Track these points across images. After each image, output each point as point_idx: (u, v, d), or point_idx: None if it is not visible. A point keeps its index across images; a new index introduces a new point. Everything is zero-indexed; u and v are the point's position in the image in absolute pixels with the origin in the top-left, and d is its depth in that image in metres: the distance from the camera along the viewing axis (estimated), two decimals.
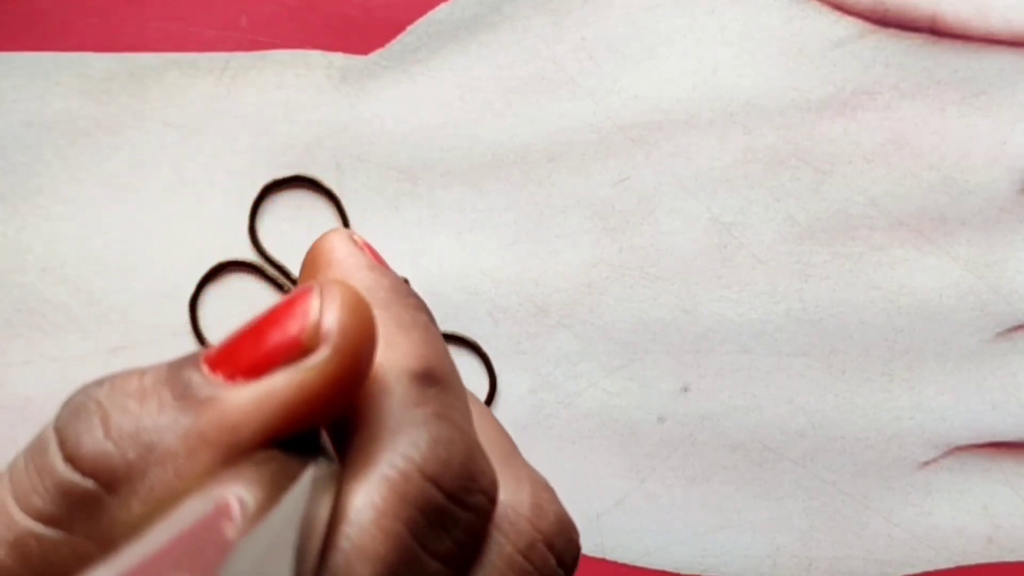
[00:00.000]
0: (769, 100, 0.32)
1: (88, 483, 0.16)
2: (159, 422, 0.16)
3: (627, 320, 0.33)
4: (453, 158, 0.33)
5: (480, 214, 0.33)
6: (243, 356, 0.16)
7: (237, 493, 0.14)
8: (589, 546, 0.33)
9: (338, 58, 0.33)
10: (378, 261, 0.21)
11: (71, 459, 0.16)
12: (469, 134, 0.33)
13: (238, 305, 0.33)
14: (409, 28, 0.33)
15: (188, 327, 0.33)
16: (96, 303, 0.33)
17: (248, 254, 0.33)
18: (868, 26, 0.32)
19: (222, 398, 0.16)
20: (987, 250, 0.32)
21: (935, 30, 0.32)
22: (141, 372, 0.17)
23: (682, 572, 0.33)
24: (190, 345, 0.33)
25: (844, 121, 0.32)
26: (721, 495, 0.33)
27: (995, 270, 0.32)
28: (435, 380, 0.18)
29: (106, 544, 0.16)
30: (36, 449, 0.16)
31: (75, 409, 0.16)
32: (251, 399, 0.16)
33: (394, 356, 0.18)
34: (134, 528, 0.16)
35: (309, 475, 0.15)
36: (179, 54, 0.33)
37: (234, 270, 0.33)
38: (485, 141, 0.33)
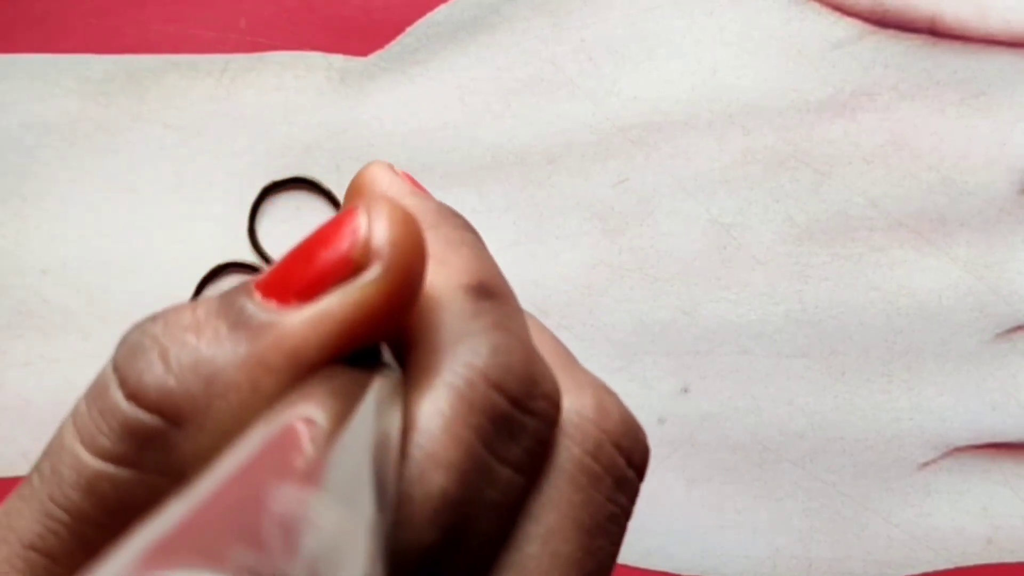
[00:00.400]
0: (768, 101, 0.32)
1: (153, 419, 0.16)
2: (218, 353, 0.16)
3: (627, 321, 0.33)
4: (452, 159, 0.33)
5: (479, 215, 0.33)
6: (294, 279, 0.16)
7: (307, 413, 0.14)
8: None
9: (337, 60, 0.33)
10: (419, 188, 0.21)
11: (133, 397, 0.16)
12: (468, 135, 0.33)
13: None
14: (408, 30, 0.33)
15: None
16: (96, 304, 0.33)
17: (248, 255, 0.33)
18: (867, 27, 0.32)
19: (278, 323, 0.16)
20: (987, 251, 0.32)
21: (934, 31, 0.32)
22: (193, 305, 0.17)
23: (682, 573, 0.33)
24: None
25: (843, 122, 0.32)
26: (721, 496, 0.33)
27: (995, 271, 0.32)
28: (490, 293, 0.18)
29: (179, 479, 0.16)
30: (96, 391, 0.16)
31: (132, 347, 0.16)
32: (307, 321, 0.16)
33: (447, 272, 0.18)
34: (205, 461, 0.16)
35: (376, 387, 0.15)
36: (178, 56, 0.33)
37: (234, 271, 0.33)
38: (484, 142, 0.33)
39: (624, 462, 0.18)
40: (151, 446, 0.16)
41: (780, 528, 0.33)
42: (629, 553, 0.33)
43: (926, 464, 0.33)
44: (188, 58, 0.33)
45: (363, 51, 0.33)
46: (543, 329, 0.20)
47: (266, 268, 0.17)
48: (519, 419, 0.17)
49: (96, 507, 0.16)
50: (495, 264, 0.19)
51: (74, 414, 0.17)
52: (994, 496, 0.33)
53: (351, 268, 0.16)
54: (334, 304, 0.16)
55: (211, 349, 0.16)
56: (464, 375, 0.16)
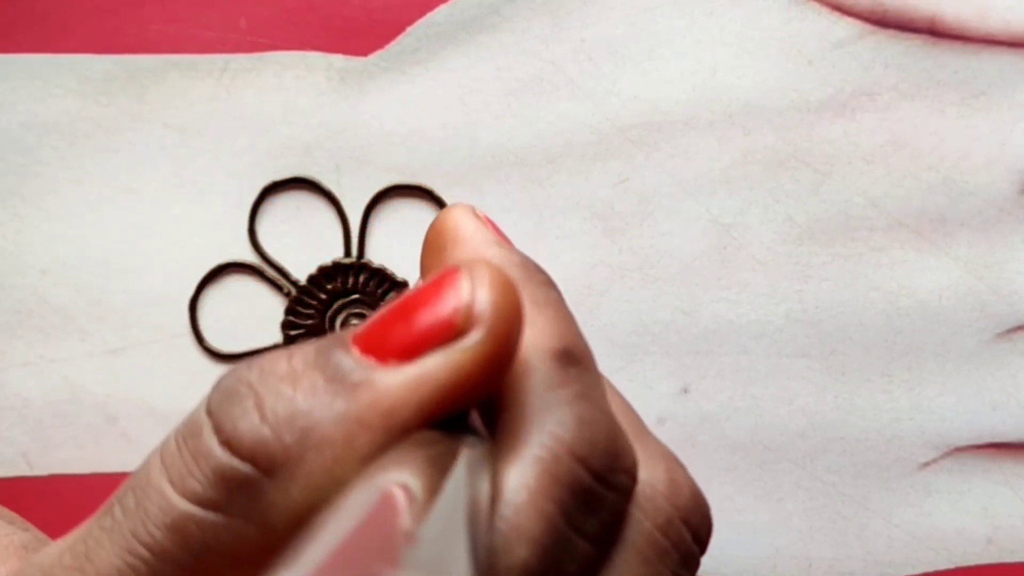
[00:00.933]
0: (768, 101, 0.32)
1: (246, 467, 0.16)
2: (314, 406, 0.16)
3: (627, 321, 0.33)
4: (452, 159, 0.33)
5: None
6: (394, 338, 0.16)
7: (402, 480, 0.14)
8: None
9: (337, 59, 0.33)
10: (501, 237, 0.21)
11: (228, 443, 0.16)
12: (468, 135, 0.33)
13: (238, 306, 0.33)
14: (408, 29, 0.33)
15: (188, 328, 0.33)
16: (96, 304, 0.33)
17: (248, 255, 0.33)
18: (867, 27, 0.32)
19: (376, 381, 0.16)
20: (987, 251, 0.32)
21: (935, 31, 0.32)
22: (289, 354, 0.17)
23: None
24: (190, 346, 0.33)
25: (843, 122, 0.32)
26: (721, 496, 0.33)
27: (995, 271, 0.32)
28: (575, 359, 0.18)
29: (266, 528, 0.16)
30: (189, 433, 0.17)
31: (227, 393, 0.16)
32: (406, 382, 0.16)
33: (533, 335, 0.18)
34: (294, 514, 0.16)
35: (466, 454, 0.15)
36: (178, 56, 0.33)
37: (234, 271, 0.33)
38: (484, 142, 0.33)
39: (691, 538, 0.19)
40: (241, 493, 0.16)
41: (780, 528, 0.33)
42: None
43: (926, 464, 0.33)
44: (188, 58, 0.33)
45: (363, 51, 0.33)
46: (615, 392, 0.21)
47: (365, 321, 0.17)
48: (599, 493, 0.17)
49: (180, 548, 0.16)
50: (576, 324, 0.19)
51: (163, 452, 0.17)
52: (994, 496, 0.33)
53: (452, 332, 0.16)
54: (434, 367, 0.16)
55: (308, 402, 0.16)
56: (550, 448, 0.16)
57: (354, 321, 0.33)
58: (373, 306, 0.33)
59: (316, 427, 0.16)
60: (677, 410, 0.33)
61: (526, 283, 0.19)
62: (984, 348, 0.33)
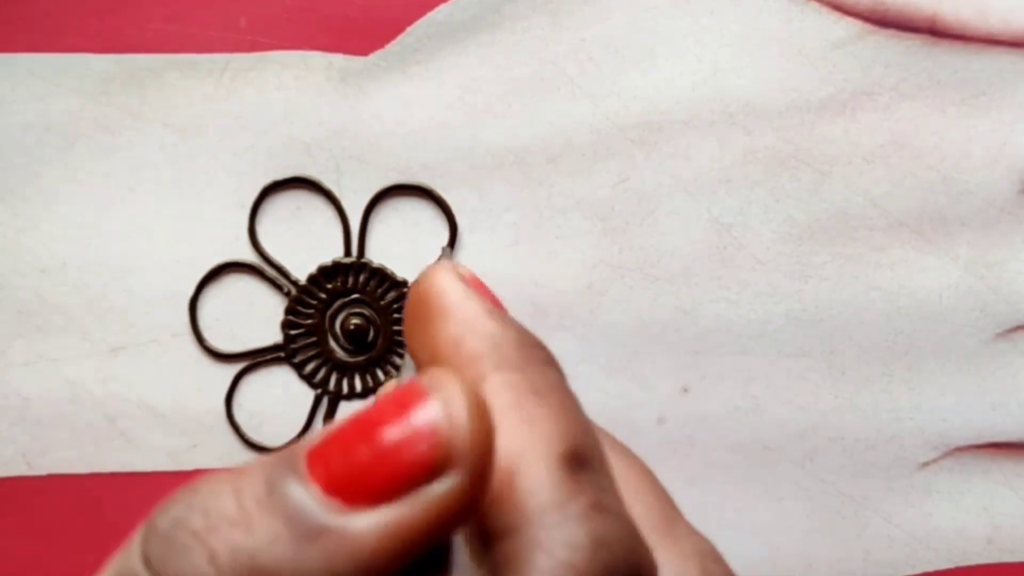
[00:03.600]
0: (769, 101, 0.32)
1: None
2: (279, 561, 0.14)
3: (627, 321, 0.33)
4: (453, 159, 0.33)
5: (479, 215, 0.33)
6: (361, 474, 0.15)
7: None
8: None
9: (338, 59, 0.33)
10: (492, 301, 0.19)
11: None
12: (469, 135, 0.33)
13: (238, 306, 0.33)
14: (409, 29, 0.33)
15: (188, 328, 0.33)
16: (96, 304, 0.33)
17: (248, 255, 0.33)
18: (868, 27, 0.32)
19: (348, 531, 0.14)
20: (987, 251, 0.32)
21: (935, 31, 0.32)
22: (234, 487, 0.15)
23: None
24: (190, 346, 0.33)
25: (844, 122, 0.32)
26: (721, 496, 0.33)
27: (995, 271, 0.32)
28: (584, 462, 0.16)
29: None
30: None
31: (168, 543, 0.14)
32: (380, 530, 0.14)
33: (536, 437, 0.16)
34: None
35: None
36: (178, 55, 0.33)
37: (234, 271, 0.33)
38: (485, 142, 0.33)
39: None
40: None
41: (780, 528, 0.33)
42: None
43: (927, 464, 0.33)
44: (188, 57, 0.33)
45: (363, 51, 0.33)
46: (643, 474, 0.19)
47: (317, 438, 0.15)
48: None
49: None
50: (583, 414, 0.17)
51: None
52: (995, 496, 0.33)
53: (428, 472, 0.14)
54: (410, 512, 0.14)
55: (270, 556, 0.14)
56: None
57: (354, 321, 0.33)
58: (373, 306, 0.33)
59: None
60: (677, 410, 0.33)
61: (526, 366, 0.18)
62: (984, 348, 0.33)
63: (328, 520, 0.14)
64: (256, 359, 0.33)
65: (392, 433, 0.15)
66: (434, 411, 0.15)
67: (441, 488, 0.14)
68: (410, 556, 0.15)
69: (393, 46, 0.33)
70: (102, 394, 0.33)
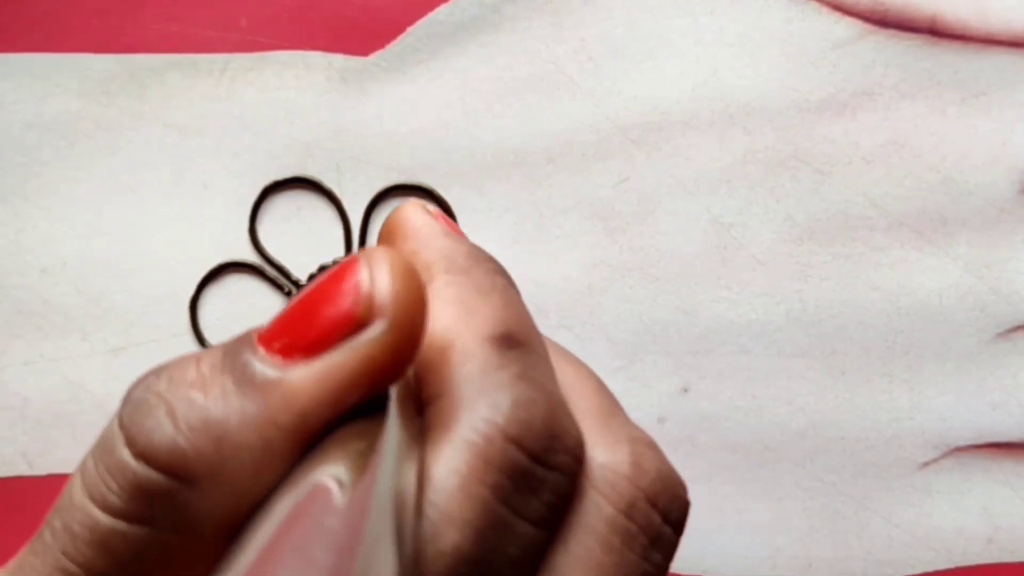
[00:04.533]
0: (769, 101, 0.32)
1: (164, 479, 0.16)
2: (227, 412, 0.16)
3: (627, 321, 0.33)
4: (453, 159, 0.33)
5: (480, 215, 0.33)
6: (298, 334, 0.16)
7: (332, 474, 0.14)
8: None
9: (338, 59, 0.33)
10: (452, 229, 0.21)
11: (143, 456, 0.16)
12: (469, 135, 0.33)
13: (238, 306, 0.33)
14: (409, 29, 0.33)
15: (188, 328, 0.33)
16: (96, 304, 0.33)
17: (248, 255, 0.33)
18: (868, 27, 0.32)
19: (285, 381, 0.16)
20: (987, 251, 0.32)
21: (935, 31, 0.32)
22: (197, 359, 0.17)
23: (682, 572, 0.33)
24: (190, 346, 0.33)
25: (844, 122, 0.32)
26: (721, 496, 0.33)
27: (995, 271, 0.32)
28: (516, 342, 0.18)
29: (193, 537, 0.16)
30: (103, 448, 0.17)
31: (138, 404, 0.16)
32: (314, 379, 0.16)
33: (474, 322, 0.18)
34: (221, 520, 0.16)
35: (390, 444, 0.15)
36: (179, 55, 0.33)
37: (234, 271, 0.33)
38: (485, 142, 0.33)
39: (660, 519, 0.18)
40: (163, 504, 0.16)
41: (780, 528, 0.33)
42: None
43: (926, 464, 0.33)
44: (189, 57, 0.33)
45: (364, 51, 0.33)
46: (585, 376, 0.20)
47: (268, 320, 0.17)
48: (539, 474, 0.17)
49: (110, 563, 0.16)
50: (524, 309, 0.19)
51: (82, 470, 0.17)
52: (994, 496, 0.33)
53: (354, 324, 0.16)
54: (339, 361, 0.16)
55: (220, 408, 0.16)
56: (483, 431, 0.16)
57: None
58: None
59: (231, 433, 0.16)
60: (677, 410, 0.33)
61: (473, 270, 0.19)
62: (984, 348, 0.33)
63: (269, 373, 0.16)
64: None
65: (321, 298, 0.16)
66: (361, 272, 0.16)
67: (366, 337, 0.16)
68: (343, 403, 0.16)
69: (393, 46, 0.33)
70: (102, 394, 0.33)
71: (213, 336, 0.33)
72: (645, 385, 0.33)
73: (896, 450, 0.33)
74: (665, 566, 0.18)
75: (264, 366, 0.16)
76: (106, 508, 0.16)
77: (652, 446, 0.19)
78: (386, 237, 0.21)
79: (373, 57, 0.33)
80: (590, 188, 0.33)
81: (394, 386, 0.17)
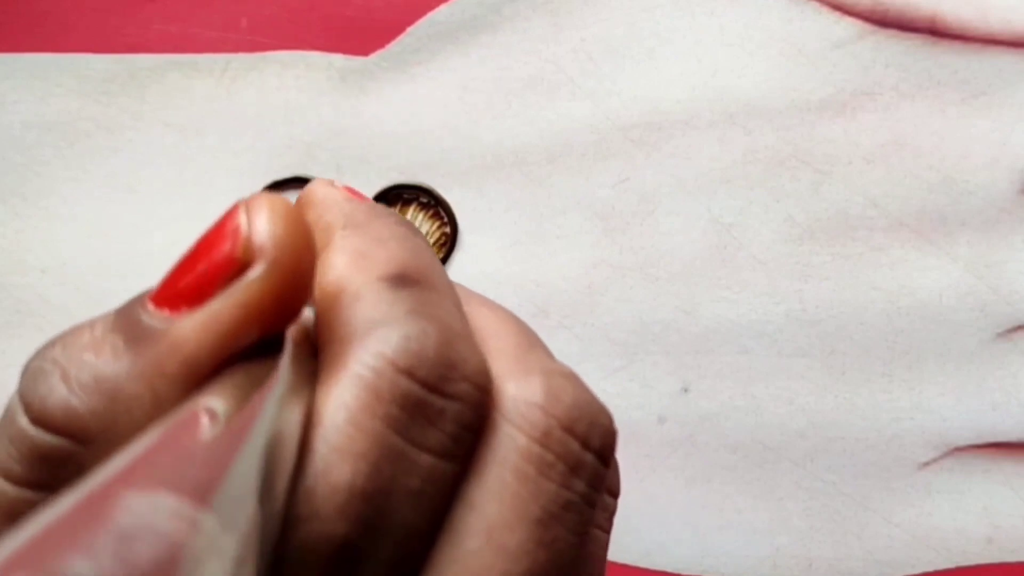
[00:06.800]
0: (769, 101, 0.32)
1: (61, 441, 0.16)
2: (117, 368, 0.16)
3: (627, 321, 0.33)
4: (453, 159, 0.33)
5: (480, 215, 0.33)
6: (184, 285, 0.17)
7: (206, 405, 0.14)
8: None
9: (338, 59, 0.33)
10: (357, 197, 0.21)
11: (39, 421, 0.16)
12: (469, 135, 0.33)
13: None
14: (409, 29, 0.33)
15: None
16: (96, 304, 0.33)
17: None
18: (868, 27, 0.32)
19: (170, 332, 0.16)
20: (987, 251, 0.32)
21: (935, 31, 0.32)
22: (91, 324, 0.17)
23: (682, 572, 0.33)
24: None
25: (844, 122, 0.32)
26: (721, 495, 0.33)
27: (995, 271, 0.32)
28: (410, 281, 0.18)
29: None
30: (5, 420, 0.17)
31: (34, 373, 0.17)
32: (198, 326, 0.16)
33: (368, 265, 0.18)
34: None
35: (279, 381, 0.15)
36: (179, 55, 0.33)
37: None
38: (485, 142, 0.33)
39: (579, 446, 0.18)
40: (63, 467, 0.16)
41: (780, 528, 0.33)
42: (629, 553, 0.33)
43: (927, 464, 0.33)
44: (189, 57, 0.33)
45: (364, 51, 0.33)
46: (505, 319, 0.20)
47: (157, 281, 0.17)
48: (437, 404, 0.16)
49: None
50: (424, 251, 0.19)
51: None
52: (994, 496, 0.33)
53: (235, 268, 0.16)
54: (222, 306, 0.16)
55: (110, 365, 0.16)
56: (371, 364, 0.16)
57: None
58: None
59: (122, 387, 0.16)
60: (677, 410, 0.33)
61: (372, 222, 0.19)
62: (984, 348, 0.33)
63: (156, 325, 0.16)
64: None
65: (204, 249, 0.17)
66: (239, 217, 0.16)
67: (246, 279, 0.16)
68: (229, 348, 0.16)
69: (393, 46, 0.33)
70: None
71: None
72: (645, 385, 0.33)
73: (896, 450, 0.33)
74: (591, 494, 0.18)
75: (152, 320, 0.16)
76: (10, 478, 0.16)
77: (569, 377, 0.18)
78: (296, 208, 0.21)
79: (373, 57, 0.33)
80: (590, 188, 0.33)
81: (290, 329, 0.17)
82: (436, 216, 0.33)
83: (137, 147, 0.33)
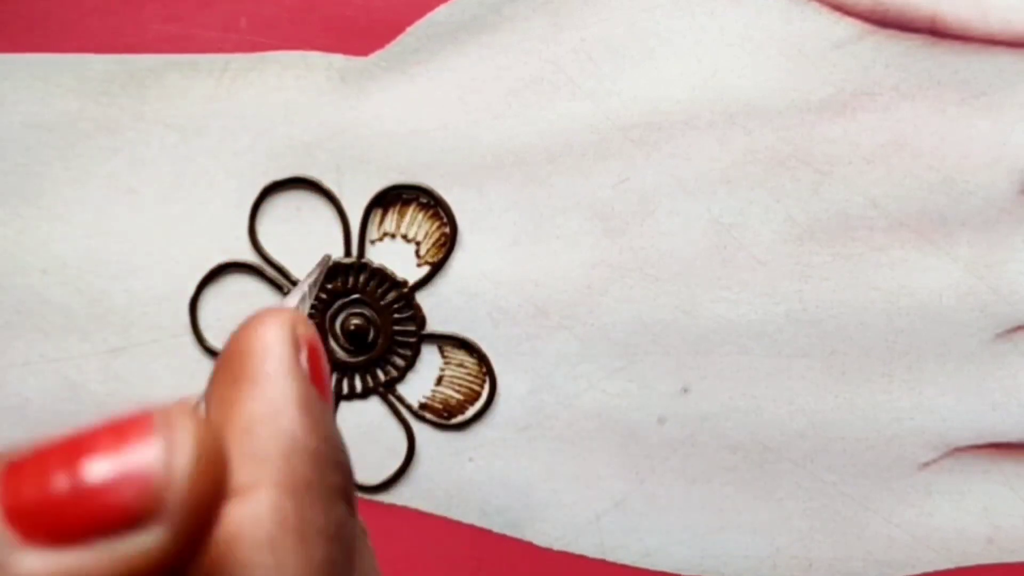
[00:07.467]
0: (769, 101, 0.32)
1: None
2: None
3: (627, 321, 0.33)
4: (453, 159, 0.33)
5: (480, 215, 0.33)
6: (51, 504, 0.12)
7: None
8: (589, 547, 0.33)
9: (338, 59, 0.33)
10: (317, 380, 0.17)
11: None
12: (469, 135, 0.33)
13: (238, 306, 0.33)
14: (409, 29, 0.33)
15: (188, 328, 0.33)
16: (96, 304, 0.33)
17: (248, 255, 0.33)
18: (868, 27, 0.32)
19: (11, 570, 0.12)
20: (987, 251, 0.32)
21: (935, 31, 0.32)
22: None
23: (682, 573, 0.33)
24: (190, 346, 0.33)
25: (844, 122, 0.32)
26: (721, 496, 0.33)
27: (995, 271, 0.32)
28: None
29: None
30: None
31: None
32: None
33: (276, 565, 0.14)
34: None
35: None
36: (179, 55, 0.33)
37: (234, 271, 0.33)
38: (485, 142, 0.33)
39: None
40: None
41: (780, 528, 0.33)
42: (629, 553, 0.33)
43: (927, 464, 0.33)
44: (189, 58, 0.33)
45: (364, 51, 0.33)
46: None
47: (22, 452, 0.13)
48: None
49: None
50: (347, 571, 0.15)
51: None
52: (995, 496, 0.33)
53: (127, 519, 0.12)
54: (93, 563, 0.12)
55: None
56: None
57: (355, 321, 0.33)
58: (373, 306, 0.33)
59: None
60: (677, 410, 0.33)
61: (308, 494, 0.15)
62: (984, 348, 0.33)
63: None
64: None
65: (97, 467, 0.12)
66: (153, 453, 0.12)
67: (135, 544, 0.12)
68: None
69: (393, 46, 0.33)
70: (102, 394, 0.33)
71: (213, 336, 0.33)
72: (645, 385, 0.33)
73: (896, 450, 0.33)
74: None
75: None
76: None
77: None
78: (231, 363, 0.16)
79: (373, 57, 0.33)
80: (590, 188, 0.33)
81: None
82: (436, 216, 0.33)
83: (137, 148, 0.33)
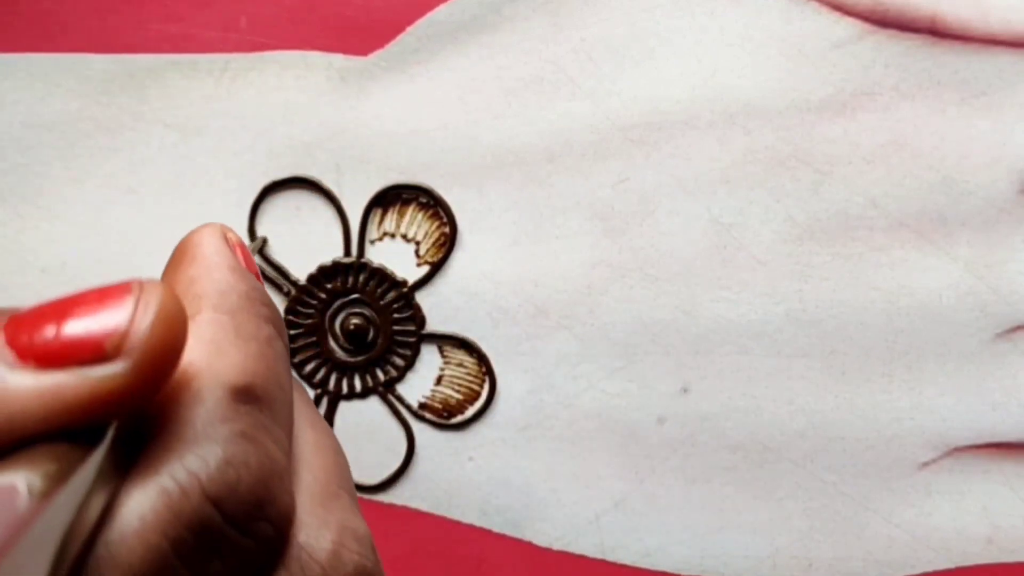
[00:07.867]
0: (769, 101, 0.32)
1: None
2: None
3: (627, 321, 0.33)
4: (453, 159, 0.33)
5: (480, 215, 0.33)
6: (41, 337, 0.15)
7: (25, 478, 0.14)
8: (589, 546, 0.33)
9: (338, 59, 0.33)
10: (246, 263, 0.20)
11: None
12: (469, 135, 0.33)
13: None
14: (409, 29, 0.33)
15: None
16: None
17: None
18: (868, 27, 0.32)
19: (6, 380, 0.15)
20: (987, 251, 0.32)
21: (935, 31, 0.32)
22: None
23: (682, 573, 0.33)
24: None
25: (844, 122, 0.32)
26: (721, 496, 0.33)
27: (995, 271, 0.32)
28: (253, 398, 0.17)
29: None
30: None
31: None
32: (35, 391, 0.15)
33: (220, 367, 0.17)
34: None
35: (90, 469, 0.15)
36: (179, 55, 0.33)
37: None
38: (485, 142, 0.33)
39: None
40: None
41: (780, 528, 0.33)
42: (629, 553, 0.33)
43: (926, 464, 0.33)
44: (188, 57, 0.33)
45: (364, 51, 0.33)
46: (326, 449, 0.19)
47: (29, 306, 0.16)
48: (230, 537, 0.16)
49: None
50: (281, 367, 0.18)
51: None
52: (994, 496, 0.33)
53: (97, 353, 0.15)
54: (67, 384, 0.15)
55: None
56: (182, 481, 0.15)
57: (354, 321, 0.33)
58: (373, 306, 0.33)
59: None
60: (677, 410, 0.33)
61: (241, 312, 0.18)
62: (984, 348, 0.33)
63: None
64: None
65: (80, 310, 0.16)
66: (126, 306, 0.15)
67: (102, 372, 0.15)
68: (57, 424, 0.15)
69: (393, 46, 0.33)
70: None
71: None
72: (645, 385, 0.33)
73: (896, 450, 0.33)
74: None
75: None
76: None
77: (361, 539, 0.18)
78: (177, 256, 0.20)
79: (373, 57, 0.33)
80: (590, 188, 0.33)
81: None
82: (436, 216, 0.33)
83: (137, 147, 0.33)
